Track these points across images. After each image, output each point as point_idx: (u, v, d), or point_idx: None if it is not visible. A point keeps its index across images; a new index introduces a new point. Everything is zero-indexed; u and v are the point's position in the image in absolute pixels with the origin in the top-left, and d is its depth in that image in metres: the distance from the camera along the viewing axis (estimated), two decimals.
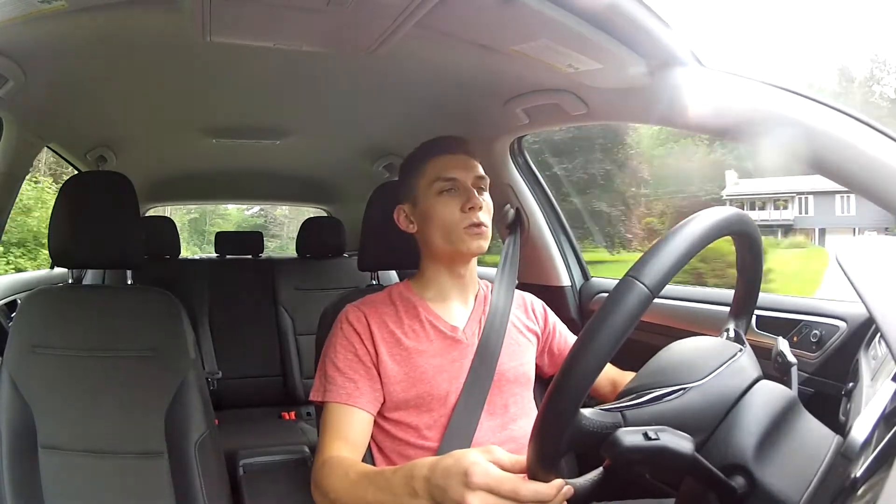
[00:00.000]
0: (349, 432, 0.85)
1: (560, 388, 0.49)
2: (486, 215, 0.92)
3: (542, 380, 1.03)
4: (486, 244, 0.93)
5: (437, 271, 0.96)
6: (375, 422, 0.90)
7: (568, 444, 0.51)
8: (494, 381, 0.91)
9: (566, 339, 1.06)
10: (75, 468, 1.00)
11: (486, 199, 0.93)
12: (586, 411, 0.52)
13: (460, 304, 0.97)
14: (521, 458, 0.58)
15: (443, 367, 0.90)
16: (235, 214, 12.10)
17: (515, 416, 0.94)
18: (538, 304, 1.07)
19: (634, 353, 0.69)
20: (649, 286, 0.49)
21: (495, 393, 0.92)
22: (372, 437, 0.90)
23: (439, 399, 0.89)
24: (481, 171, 0.95)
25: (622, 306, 0.48)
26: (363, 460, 0.86)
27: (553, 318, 1.06)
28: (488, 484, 0.57)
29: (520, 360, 0.97)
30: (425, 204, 0.93)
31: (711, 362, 0.58)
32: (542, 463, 0.53)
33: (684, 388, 0.55)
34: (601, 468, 0.57)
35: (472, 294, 0.99)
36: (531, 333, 1.02)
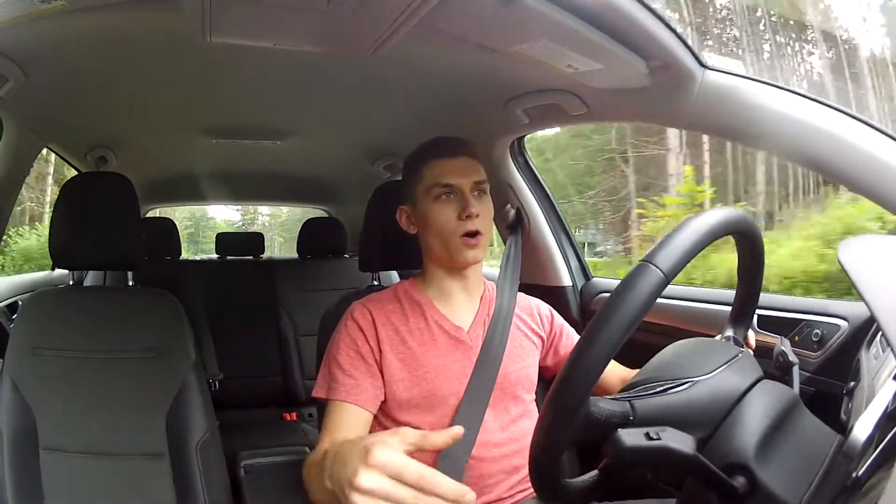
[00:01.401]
0: (348, 430, 0.85)
1: (574, 366, 0.50)
2: (483, 222, 0.91)
3: (544, 382, 1.03)
4: (481, 254, 0.92)
5: (440, 272, 0.96)
6: (380, 423, 0.90)
7: (576, 431, 0.51)
8: (497, 383, 0.91)
9: (573, 340, 1.05)
10: (77, 470, 1.00)
11: (485, 203, 0.93)
12: (596, 399, 0.52)
13: (466, 304, 0.97)
14: (437, 433, 0.51)
15: (446, 367, 0.90)
16: (224, 226, 13.52)
17: (516, 417, 0.94)
18: (545, 307, 1.06)
19: (635, 353, 0.69)
20: (664, 270, 0.49)
21: (497, 395, 0.91)
22: None
23: (442, 399, 0.89)
24: (482, 174, 0.93)
25: (638, 288, 0.49)
26: None
27: (560, 320, 1.06)
28: (391, 461, 0.48)
29: (523, 362, 0.96)
30: (423, 208, 0.93)
31: (718, 358, 0.59)
32: (550, 442, 0.52)
33: (692, 381, 0.56)
34: (596, 470, 0.57)
35: (477, 294, 0.99)
36: (536, 337, 1.01)
